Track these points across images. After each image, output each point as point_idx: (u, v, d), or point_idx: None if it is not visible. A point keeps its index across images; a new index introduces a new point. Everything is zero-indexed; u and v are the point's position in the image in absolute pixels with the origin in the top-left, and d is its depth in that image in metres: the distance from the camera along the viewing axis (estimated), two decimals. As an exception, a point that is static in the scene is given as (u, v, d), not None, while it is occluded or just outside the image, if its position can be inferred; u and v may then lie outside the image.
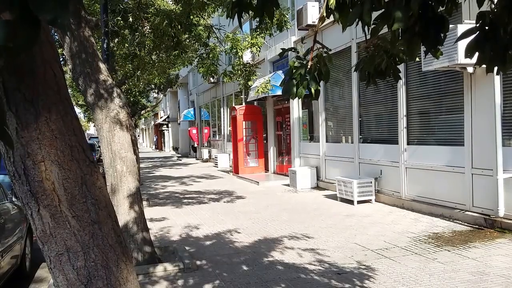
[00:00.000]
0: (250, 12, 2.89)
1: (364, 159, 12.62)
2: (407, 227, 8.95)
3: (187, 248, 7.98)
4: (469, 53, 2.63)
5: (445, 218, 9.44)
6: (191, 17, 12.40)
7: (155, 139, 63.13)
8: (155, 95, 37.67)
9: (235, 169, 20.95)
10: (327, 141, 14.86)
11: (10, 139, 1.68)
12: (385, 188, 11.75)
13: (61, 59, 9.20)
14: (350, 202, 11.80)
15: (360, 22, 2.54)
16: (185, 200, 13.80)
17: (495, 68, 2.65)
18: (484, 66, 2.65)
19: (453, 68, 8.79)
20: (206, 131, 32.16)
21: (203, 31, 13.52)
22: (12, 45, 1.41)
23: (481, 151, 8.76)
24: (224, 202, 13.28)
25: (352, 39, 12.70)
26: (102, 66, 6.57)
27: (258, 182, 17.19)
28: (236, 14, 2.91)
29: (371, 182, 11.76)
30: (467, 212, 9.07)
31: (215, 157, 26.56)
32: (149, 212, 11.28)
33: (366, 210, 11.00)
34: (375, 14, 2.50)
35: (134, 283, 2.53)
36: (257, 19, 2.95)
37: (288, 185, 15.99)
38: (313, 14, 14.18)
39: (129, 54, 14.37)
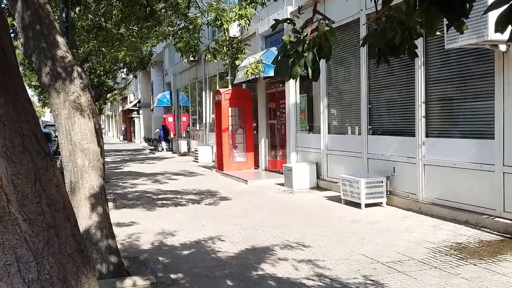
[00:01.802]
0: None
1: (374, 154, 12.66)
2: (425, 236, 9.01)
3: (160, 258, 7.98)
4: (500, 26, 2.62)
5: (470, 226, 9.49)
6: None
7: (123, 128, 63.00)
8: (124, 75, 37.55)
9: (219, 165, 20.96)
10: (329, 132, 14.90)
11: None
12: (399, 189, 11.81)
13: (11, 31, 9.14)
14: (357, 205, 11.85)
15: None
16: (159, 202, 13.80)
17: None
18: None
19: (482, 45, 8.80)
20: (184, 119, 32.14)
21: (181, -1, 13.46)
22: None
23: (514, 145, 8.80)
24: (206, 204, 13.30)
25: (361, 10, 12.68)
26: (60, 40, 6.52)
27: (246, 181, 17.23)
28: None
29: (382, 182, 11.80)
30: (497, 219, 9.11)
31: (195, 150, 26.59)
32: (116, 215, 11.26)
33: (375, 214, 11.06)
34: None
35: (97, 300, 2.54)
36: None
37: (282, 184, 16.02)
38: (314, -21, 14.13)
39: (93, 26, 14.27)
